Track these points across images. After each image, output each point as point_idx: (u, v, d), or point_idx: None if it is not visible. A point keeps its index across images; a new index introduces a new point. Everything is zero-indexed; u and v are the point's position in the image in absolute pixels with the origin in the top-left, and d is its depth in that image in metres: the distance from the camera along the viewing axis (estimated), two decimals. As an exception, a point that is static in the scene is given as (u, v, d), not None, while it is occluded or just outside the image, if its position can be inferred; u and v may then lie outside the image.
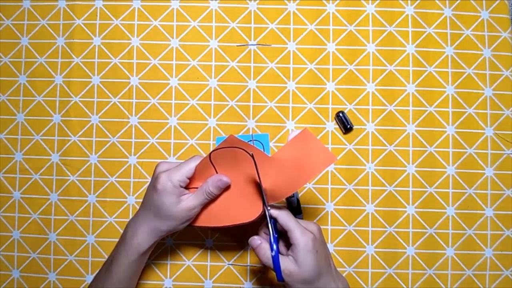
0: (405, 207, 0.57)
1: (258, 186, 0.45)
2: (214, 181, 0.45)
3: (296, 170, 0.43)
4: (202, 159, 0.45)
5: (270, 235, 0.45)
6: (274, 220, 0.45)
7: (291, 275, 0.43)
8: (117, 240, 0.57)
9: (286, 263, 0.43)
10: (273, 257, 0.44)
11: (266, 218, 0.45)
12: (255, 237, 0.46)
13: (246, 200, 0.46)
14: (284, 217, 0.45)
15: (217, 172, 0.46)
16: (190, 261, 0.57)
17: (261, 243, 0.45)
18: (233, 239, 0.57)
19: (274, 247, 0.44)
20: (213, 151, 0.44)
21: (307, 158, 0.43)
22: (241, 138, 0.42)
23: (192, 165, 0.45)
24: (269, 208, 0.45)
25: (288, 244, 0.45)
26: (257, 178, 0.44)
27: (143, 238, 0.46)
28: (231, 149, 0.43)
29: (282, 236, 0.47)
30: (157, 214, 0.46)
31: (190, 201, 0.45)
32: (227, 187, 0.47)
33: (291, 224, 0.44)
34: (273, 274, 0.56)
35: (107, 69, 0.59)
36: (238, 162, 0.45)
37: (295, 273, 0.43)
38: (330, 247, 0.56)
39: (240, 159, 0.44)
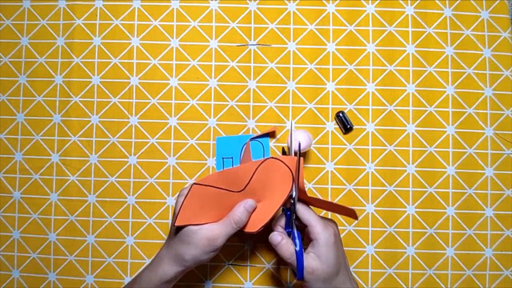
0: (405, 207, 0.57)
1: (275, 206, 0.45)
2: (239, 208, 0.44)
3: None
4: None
5: (293, 231, 0.43)
6: (290, 214, 0.44)
7: (313, 272, 0.41)
8: (116, 240, 0.57)
9: (308, 261, 0.42)
10: (297, 252, 0.42)
11: (291, 213, 0.44)
12: (275, 233, 0.44)
13: (259, 211, 0.45)
14: (304, 211, 0.43)
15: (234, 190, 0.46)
16: (190, 261, 0.57)
17: (283, 239, 0.43)
18: (234, 238, 0.57)
19: (297, 242, 0.42)
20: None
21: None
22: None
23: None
24: (292, 200, 0.44)
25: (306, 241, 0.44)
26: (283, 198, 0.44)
27: (169, 267, 0.44)
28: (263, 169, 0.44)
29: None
30: (180, 238, 0.44)
31: (214, 228, 0.44)
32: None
33: (312, 219, 0.42)
34: (274, 274, 0.56)
35: (107, 69, 0.59)
36: (269, 179, 0.45)
37: (318, 269, 0.41)
38: (330, 247, 0.56)
39: (272, 176, 0.45)
